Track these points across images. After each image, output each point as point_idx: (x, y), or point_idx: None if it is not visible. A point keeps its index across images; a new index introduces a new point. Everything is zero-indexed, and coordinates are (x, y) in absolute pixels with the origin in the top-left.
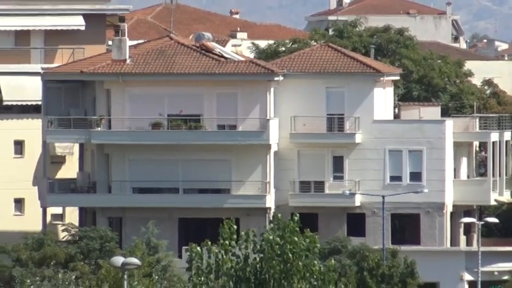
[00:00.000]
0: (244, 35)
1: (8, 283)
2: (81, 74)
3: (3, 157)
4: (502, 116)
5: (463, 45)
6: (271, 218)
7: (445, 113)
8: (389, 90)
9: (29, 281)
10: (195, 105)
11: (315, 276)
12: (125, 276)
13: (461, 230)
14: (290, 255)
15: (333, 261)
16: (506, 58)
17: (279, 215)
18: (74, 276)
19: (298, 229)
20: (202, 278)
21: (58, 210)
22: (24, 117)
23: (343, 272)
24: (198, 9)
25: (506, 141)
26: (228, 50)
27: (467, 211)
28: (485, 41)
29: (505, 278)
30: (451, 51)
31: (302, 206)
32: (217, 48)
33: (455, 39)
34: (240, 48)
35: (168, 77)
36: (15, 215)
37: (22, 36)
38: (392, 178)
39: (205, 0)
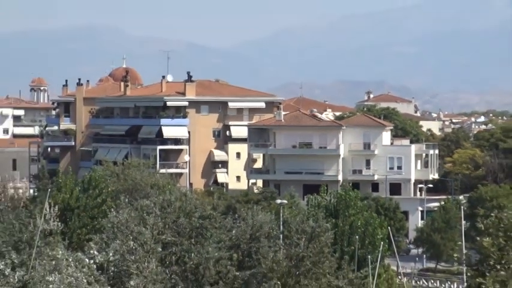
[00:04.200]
0: (330, 110)
1: (234, 210)
2: (264, 125)
3: (233, 161)
4: (434, 143)
5: (418, 114)
6: (340, 185)
7: (411, 142)
8: (389, 133)
9: (242, 209)
10: (309, 138)
11: (358, 208)
12: (280, 208)
13: (418, 190)
14: (348, 199)
15: (365, 202)
16: (435, 120)
17: (344, 183)
18: (260, 208)
19: (351, 189)
20: (312, 208)
21: (253, 180)
22: (241, 143)
23: (369, 206)
24: (311, 99)
25: (436, 154)
26: (323, 116)
27: (420, 182)
28: (427, 113)
29: (435, 209)
30: (414, 117)
31: (353, 179)
32: (319, 115)
33: (415, 112)
34: (328, 115)
35: (298, 127)
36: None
37: (240, 110)
38: (390, 168)
39: (315, 93)
